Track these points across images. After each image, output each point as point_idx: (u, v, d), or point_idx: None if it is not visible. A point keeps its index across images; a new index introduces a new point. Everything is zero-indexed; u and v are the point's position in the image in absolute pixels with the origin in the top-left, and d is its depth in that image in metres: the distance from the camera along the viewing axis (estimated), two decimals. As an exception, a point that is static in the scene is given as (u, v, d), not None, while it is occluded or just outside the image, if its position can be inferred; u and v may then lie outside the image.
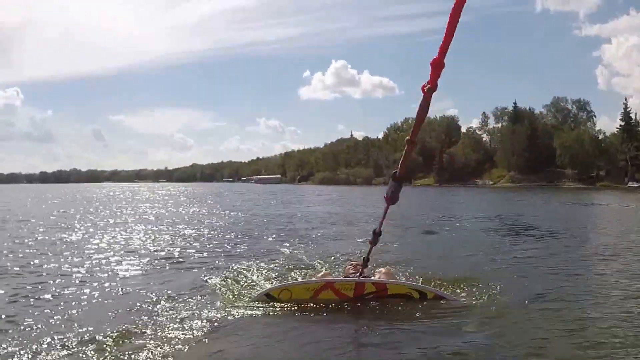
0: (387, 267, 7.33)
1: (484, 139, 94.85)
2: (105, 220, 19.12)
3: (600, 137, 77.45)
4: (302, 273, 8.13)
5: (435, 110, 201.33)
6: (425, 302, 5.80)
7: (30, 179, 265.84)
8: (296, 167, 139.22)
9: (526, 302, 6.00)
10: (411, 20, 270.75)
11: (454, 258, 9.79)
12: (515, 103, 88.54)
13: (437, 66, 3.85)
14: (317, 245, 11.80)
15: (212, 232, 14.67)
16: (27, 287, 7.15)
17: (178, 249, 10.96)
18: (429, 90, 3.95)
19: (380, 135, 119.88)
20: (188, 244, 11.92)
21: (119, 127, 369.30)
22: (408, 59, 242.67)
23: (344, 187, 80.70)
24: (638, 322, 5.01)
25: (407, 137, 4.56)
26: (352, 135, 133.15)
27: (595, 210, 25.63)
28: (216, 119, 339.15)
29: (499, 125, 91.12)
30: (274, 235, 13.64)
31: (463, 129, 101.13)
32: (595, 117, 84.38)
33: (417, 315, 5.42)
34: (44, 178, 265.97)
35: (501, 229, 15.54)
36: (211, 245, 11.82)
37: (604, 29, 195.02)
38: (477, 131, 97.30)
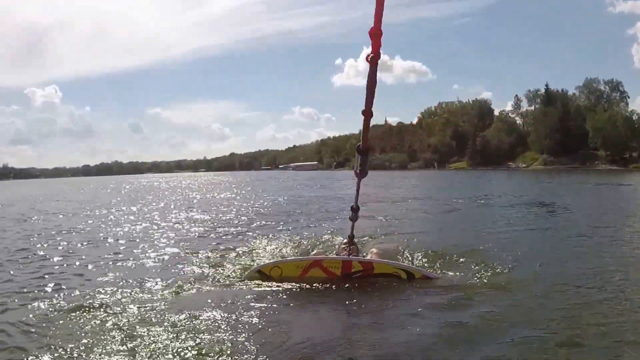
0: (379, 247, 7.81)
1: (517, 122, 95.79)
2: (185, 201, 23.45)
3: (634, 117, 77.53)
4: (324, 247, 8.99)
5: (468, 94, 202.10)
6: (414, 283, 6.16)
7: (74, 172, 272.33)
8: (332, 154, 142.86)
9: (526, 281, 6.24)
10: (442, 4, 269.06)
11: (468, 234, 10.48)
12: (547, 85, 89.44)
13: (376, 35, 3.83)
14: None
15: (262, 210, 17.96)
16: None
17: (242, 224, 13.90)
18: (372, 59, 3.99)
19: (415, 121, 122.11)
20: (243, 220, 15.06)
21: (157, 120, 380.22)
22: (440, 43, 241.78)
23: (379, 172, 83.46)
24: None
25: (362, 109, 4.51)
26: (385, 121, 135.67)
27: (622, 192, 25.30)
28: (252, 109, 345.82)
29: (532, 107, 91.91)
30: (312, 214, 16.26)
31: (496, 112, 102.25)
32: (629, 97, 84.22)
33: (404, 296, 5.78)
34: (87, 171, 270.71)
35: (520, 209, 16.05)
36: (265, 220, 14.65)
37: (638, 5, 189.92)
38: (510, 114, 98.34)
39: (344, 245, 7.17)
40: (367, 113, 4.39)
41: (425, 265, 7.38)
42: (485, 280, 6.28)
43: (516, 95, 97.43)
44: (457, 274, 6.69)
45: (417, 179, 47.13)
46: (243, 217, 16.03)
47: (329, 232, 11.33)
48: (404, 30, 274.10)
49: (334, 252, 7.60)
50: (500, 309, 5.10)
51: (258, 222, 14.36)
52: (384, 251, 7.48)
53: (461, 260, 7.48)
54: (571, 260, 7.62)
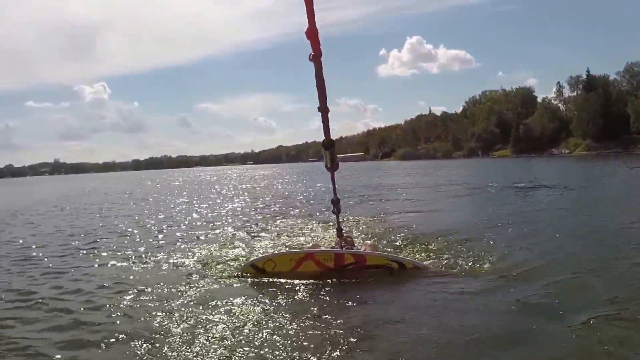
0: (373, 241, 8.07)
1: (561, 109, 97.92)
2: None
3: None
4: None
5: (513, 81, 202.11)
6: (408, 274, 6.22)
7: (124, 166, 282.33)
8: (378, 144, 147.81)
9: (525, 269, 6.25)
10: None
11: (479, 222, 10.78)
12: (588, 71, 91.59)
13: (311, 35, 3.80)
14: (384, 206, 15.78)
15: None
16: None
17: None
18: (315, 57, 3.97)
19: (459, 109, 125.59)
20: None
21: (204, 114, 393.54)
22: (483, 31, 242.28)
23: (425, 161, 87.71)
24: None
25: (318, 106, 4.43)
26: (430, 111, 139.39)
27: None
28: (298, 101, 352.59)
29: (574, 94, 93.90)
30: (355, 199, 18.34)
31: (539, 100, 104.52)
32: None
33: (400, 288, 5.86)
34: (137, 165, 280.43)
35: (543, 193, 17.23)
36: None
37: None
38: (552, 101, 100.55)
39: (339, 239, 7.28)
40: (323, 109, 4.42)
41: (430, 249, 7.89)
42: (476, 267, 6.58)
43: (558, 82, 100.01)
44: (452, 260, 6.95)
45: (459, 167, 49.83)
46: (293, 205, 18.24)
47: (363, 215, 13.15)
48: (447, 20, 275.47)
49: (330, 246, 7.74)
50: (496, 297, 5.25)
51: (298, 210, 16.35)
52: (378, 243, 7.88)
53: (459, 247, 7.91)
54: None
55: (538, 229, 9.62)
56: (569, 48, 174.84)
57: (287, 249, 8.34)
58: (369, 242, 7.70)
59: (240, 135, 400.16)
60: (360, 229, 10.92)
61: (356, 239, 8.51)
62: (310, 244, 7.82)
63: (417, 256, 7.46)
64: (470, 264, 6.74)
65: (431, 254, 7.54)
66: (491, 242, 8.23)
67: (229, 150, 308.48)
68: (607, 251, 7.22)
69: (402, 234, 9.57)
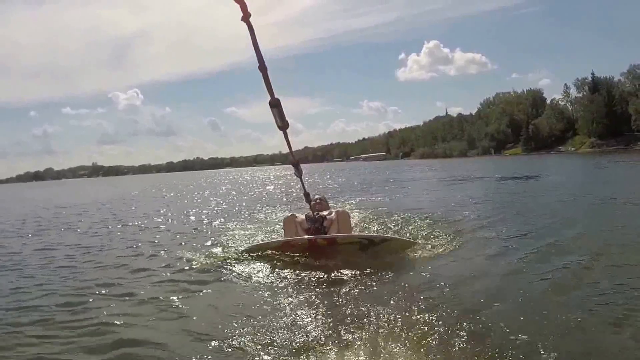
0: (344, 209, 7.99)
1: (569, 109, 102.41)
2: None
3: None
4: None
5: (527, 82, 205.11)
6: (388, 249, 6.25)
7: (158, 169, 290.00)
8: (399, 145, 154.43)
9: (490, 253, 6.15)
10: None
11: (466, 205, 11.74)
12: (592, 73, 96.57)
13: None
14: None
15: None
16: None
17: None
18: (243, 18, 3.68)
19: (474, 111, 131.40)
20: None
21: (233, 118, 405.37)
22: (497, 35, 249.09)
23: (441, 160, 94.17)
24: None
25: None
26: (446, 112, 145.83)
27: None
28: (322, 105, 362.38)
29: (581, 95, 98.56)
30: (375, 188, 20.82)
31: (548, 101, 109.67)
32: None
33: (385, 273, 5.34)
34: (171, 168, 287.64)
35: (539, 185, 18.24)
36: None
37: None
38: (560, 102, 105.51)
39: (313, 203, 7.37)
40: (262, 67, 4.06)
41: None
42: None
43: (565, 84, 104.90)
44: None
45: (470, 164, 52.99)
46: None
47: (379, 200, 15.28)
48: (462, 24, 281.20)
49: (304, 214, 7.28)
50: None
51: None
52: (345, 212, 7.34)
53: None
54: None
55: (511, 207, 11.18)
56: (579, 50, 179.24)
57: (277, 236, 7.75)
58: (340, 209, 7.30)
59: (268, 137, 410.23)
60: (364, 210, 11.69)
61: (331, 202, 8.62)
62: (289, 214, 7.37)
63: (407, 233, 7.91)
64: (441, 235, 7.43)
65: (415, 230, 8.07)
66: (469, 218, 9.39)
67: (257, 152, 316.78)
68: (579, 225, 7.92)
69: (398, 213, 10.37)
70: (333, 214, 6.89)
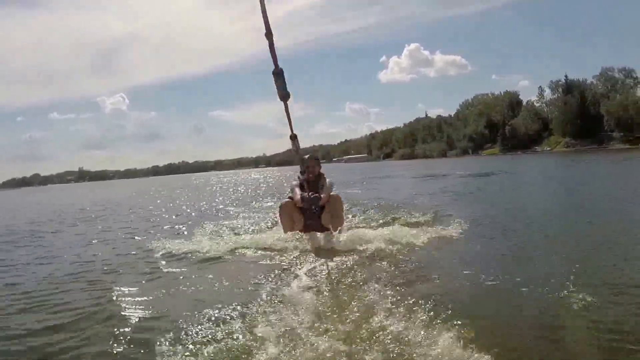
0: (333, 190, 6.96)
1: (545, 110, 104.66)
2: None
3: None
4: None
5: (506, 84, 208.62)
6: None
7: (144, 173, 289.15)
8: (380, 146, 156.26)
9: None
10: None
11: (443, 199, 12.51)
12: (566, 76, 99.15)
13: None
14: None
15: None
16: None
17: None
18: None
19: (455, 112, 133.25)
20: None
21: (218, 122, 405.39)
22: (477, 37, 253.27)
23: (421, 160, 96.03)
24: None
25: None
26: (426, 114, 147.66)
27: (614, 164, 28.00)
28: (305, 107, 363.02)
29: (555, 96, 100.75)
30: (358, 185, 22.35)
31: (524, 102, 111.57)
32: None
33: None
34: (157, 171, 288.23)
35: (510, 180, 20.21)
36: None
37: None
38: (535, 103, 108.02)
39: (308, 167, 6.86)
40: (268, 34, 4.22)
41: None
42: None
43: (540, 86, 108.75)
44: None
45: (448, 164, 53.93)
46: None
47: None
48: (442, 27, 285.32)
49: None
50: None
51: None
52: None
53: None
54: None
55: (471, 196, 13.30)
56: (556, 52, 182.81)
57: None
58: (334, 193, 6.83)
59: (253, 140, 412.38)
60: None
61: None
62: (285, 200, 6.89)
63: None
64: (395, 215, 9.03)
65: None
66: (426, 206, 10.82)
67: (241, 155, 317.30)
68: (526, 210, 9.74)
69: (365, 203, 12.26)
70: (324, 195, 6.62)
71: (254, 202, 16.30)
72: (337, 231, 6.88)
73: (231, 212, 13.17)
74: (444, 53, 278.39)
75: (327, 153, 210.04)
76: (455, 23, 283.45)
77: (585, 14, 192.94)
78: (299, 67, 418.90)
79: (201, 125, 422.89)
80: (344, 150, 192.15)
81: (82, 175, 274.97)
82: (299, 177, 7.11)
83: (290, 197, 6.91)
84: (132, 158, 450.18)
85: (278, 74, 4.75)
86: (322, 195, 6.59)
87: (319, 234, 6.91)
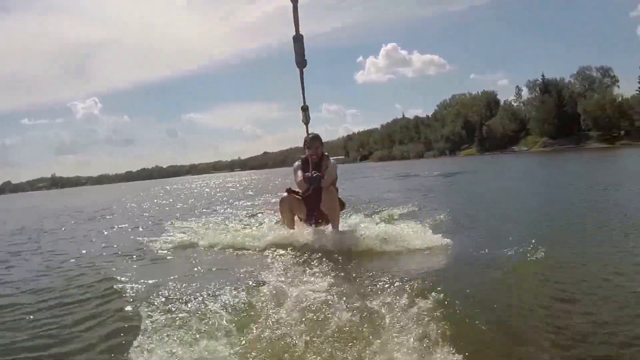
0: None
1: (522, 109, 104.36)
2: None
3: (619, 100, 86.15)
4: None
5: (485, 83, 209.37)
6: None
7: (118, 179, 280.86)
8: (357, 148, 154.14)
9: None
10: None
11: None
12: (543, 75, 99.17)
13: None
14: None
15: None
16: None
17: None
18: None
19: (433, 111, 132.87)
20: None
21: (192, 125, 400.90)
22: (454, 36, 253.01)
23: (399, 162, 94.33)
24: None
25: None
26: (403, 115, 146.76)
27: (587, 162, 28.56)
28: (282, 109, 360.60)
29: (533, 96, 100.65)
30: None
31: (502, 102, 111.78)
32: (618, 81, 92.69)
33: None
34: (130, 177, 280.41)
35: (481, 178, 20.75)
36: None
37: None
38: (512, 103, 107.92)
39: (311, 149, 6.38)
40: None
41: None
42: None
43: (517, 85, 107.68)
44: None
45: (424, 165, 54.00)
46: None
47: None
48: (419, 26, 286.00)
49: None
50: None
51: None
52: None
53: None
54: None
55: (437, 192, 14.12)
56: (535, 51, 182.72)
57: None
58: (332, 160, 6.68)
59: (228, 143, 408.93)
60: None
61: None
62: (285, 194, 6.67)
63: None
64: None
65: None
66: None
67: (217, 159, 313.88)
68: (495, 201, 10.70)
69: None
70: (327, 178, 6.31)
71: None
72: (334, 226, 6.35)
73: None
74: (422, 53, 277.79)
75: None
76: (434, 22, 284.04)
77: (564, 12, 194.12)
78: (274, 69, 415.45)
79: (175, 129, 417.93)
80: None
81: (55, 182, 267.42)
82: (300, 159, 6.70)
83: (287, 190, 6.69)
84: (105, 163, 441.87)
85: (297, 39, 4.78)
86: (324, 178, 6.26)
87: (326, 230, 6.31)
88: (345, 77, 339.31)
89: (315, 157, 6.47)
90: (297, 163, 6.75)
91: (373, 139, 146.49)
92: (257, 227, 8.06)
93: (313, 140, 6.51)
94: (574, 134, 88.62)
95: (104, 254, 6.89)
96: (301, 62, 4.90)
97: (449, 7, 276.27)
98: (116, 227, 10.81)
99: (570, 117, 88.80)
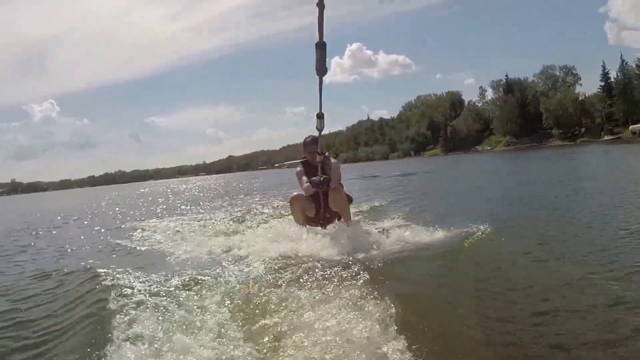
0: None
1: (487, 109, 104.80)
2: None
3: (581, 98, 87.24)
4: None
5: (451, 83, 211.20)
6: None
7: (80, 183, 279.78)
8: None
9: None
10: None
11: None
12: (506, 75, 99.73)
13: None
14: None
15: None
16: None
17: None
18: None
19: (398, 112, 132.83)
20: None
21: (154, 128, 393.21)
22: (419, 36, 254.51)
23: (364, 163, 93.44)
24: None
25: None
26: (368, 117, 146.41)
27: (546, 159, 29.40)
28: (246, 111, 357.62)
29: (496, 96, 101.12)
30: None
31: (466, 102, 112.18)
32: (580, 79, 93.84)
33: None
34: (93, 182, 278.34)
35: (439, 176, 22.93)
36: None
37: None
38: (477, 103, 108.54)
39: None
40: (320, 3, 4.18)
41: None
42: None
43: (480, 86, 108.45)
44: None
45: (387, 166, 55.90)
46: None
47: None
48: (384, 26, 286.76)
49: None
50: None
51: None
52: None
53: None
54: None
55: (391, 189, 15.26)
56: (501, 49, 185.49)
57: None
58: (334, 161, 6.57)
59: (191, 147, 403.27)
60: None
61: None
62: (295, 193, 6.72)
63: None
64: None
65: None
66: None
67: (181, 163, 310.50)
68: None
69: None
70: (334, 180, 6.32)
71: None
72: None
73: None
74: (387, 53, 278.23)
75: (269, 159, 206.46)
76: (399, 21, 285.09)
77: (531, 9, 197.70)
78: (236, 69, 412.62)
79: (137, 132, 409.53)
80: (286, 156, 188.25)
81: (15, 188, 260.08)
82: (301, 163, 6.74)
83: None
84: (66, 168, 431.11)
85: (321, 47, 4.76)
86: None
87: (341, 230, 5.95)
88: (309, 78, 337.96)
89: (319, 162, 6.32)
90: (298, 169, 6.75)
91: (338, 140, 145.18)
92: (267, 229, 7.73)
93: (313, 144, 6.58)
94: (536, 133, 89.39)
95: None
96: (321, 70, 4.91)
97: (412, 5, 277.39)
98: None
99: (533, 116, 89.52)
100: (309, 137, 6.73)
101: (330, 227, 6.25)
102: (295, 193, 6.75)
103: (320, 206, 6.47)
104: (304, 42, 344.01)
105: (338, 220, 6.35)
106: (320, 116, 5.82)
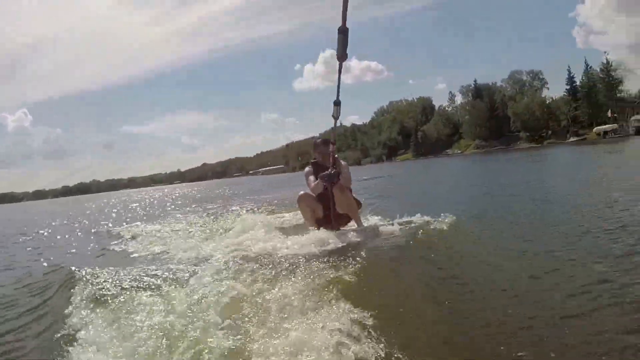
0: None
1: (457, 114, 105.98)
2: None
3: (548, 101, 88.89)
4: None
5: (423, 88, 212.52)
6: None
7: (54, 194, 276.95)
8: (297, 156, 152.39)
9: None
10: (392, 3, 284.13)
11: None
12: (475, 81, 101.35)
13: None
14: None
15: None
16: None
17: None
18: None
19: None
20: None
21: (128, 136, 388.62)
22: (392, 42, 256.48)
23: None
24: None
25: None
26: (341, 123, 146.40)
27: (513, 161, 30.47)
28: (220, 118, 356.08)
29: (465, 100, 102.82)
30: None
31: (437, 108, 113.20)
32: (547, 83, 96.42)
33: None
34: (67, 192, 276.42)
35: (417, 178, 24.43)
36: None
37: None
38: (447, 108, 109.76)
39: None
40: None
41: None
42: None
43: (450, 91, 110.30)
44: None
45: (362, 171, 55.82)
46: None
47: None
48: (357, 32, 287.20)
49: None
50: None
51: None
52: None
53: None
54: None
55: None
56: (471, 55, 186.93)
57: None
58: (343, 162, 6.63)
59: (165, 155, 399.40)
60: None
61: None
62: (302, 192, 6.67)
63: None
64: None
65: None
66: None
67: (156, 171, 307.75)
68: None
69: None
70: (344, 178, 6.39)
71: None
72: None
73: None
74: (360, 59, 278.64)
75: (243, 166, 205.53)
76: (370, 27, 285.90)
77: (501, 15, 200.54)
78: (210, 76, 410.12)
79: (111, 141, 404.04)
80: (261, 163, 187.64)
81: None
82: (311, 164, 6.81)
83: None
84: (40, 178, 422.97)
85: (343, 32, 4.49)
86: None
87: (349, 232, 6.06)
88: (284, 85, 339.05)
89: (329, 162, 6.37)
90: (307, 168, 6.85)
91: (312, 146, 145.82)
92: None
93: (323, 145, 6.81)
94: (505, 136, 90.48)
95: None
96: (342, 55, 4.69)
97: (384, 11, 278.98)
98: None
99: (502, 119, 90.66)
100: (319, 138, 7.05)
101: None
102: (302, 192, 6.71)
103: (328, 207, 6.38)
104: (276, 49, 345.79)
105: (347, 222, 6.56)
106: (337, 103, 5.62)
